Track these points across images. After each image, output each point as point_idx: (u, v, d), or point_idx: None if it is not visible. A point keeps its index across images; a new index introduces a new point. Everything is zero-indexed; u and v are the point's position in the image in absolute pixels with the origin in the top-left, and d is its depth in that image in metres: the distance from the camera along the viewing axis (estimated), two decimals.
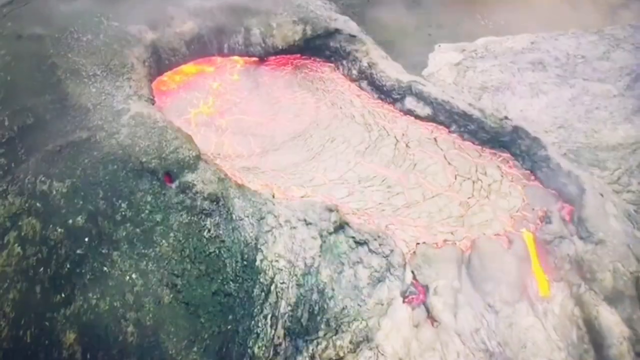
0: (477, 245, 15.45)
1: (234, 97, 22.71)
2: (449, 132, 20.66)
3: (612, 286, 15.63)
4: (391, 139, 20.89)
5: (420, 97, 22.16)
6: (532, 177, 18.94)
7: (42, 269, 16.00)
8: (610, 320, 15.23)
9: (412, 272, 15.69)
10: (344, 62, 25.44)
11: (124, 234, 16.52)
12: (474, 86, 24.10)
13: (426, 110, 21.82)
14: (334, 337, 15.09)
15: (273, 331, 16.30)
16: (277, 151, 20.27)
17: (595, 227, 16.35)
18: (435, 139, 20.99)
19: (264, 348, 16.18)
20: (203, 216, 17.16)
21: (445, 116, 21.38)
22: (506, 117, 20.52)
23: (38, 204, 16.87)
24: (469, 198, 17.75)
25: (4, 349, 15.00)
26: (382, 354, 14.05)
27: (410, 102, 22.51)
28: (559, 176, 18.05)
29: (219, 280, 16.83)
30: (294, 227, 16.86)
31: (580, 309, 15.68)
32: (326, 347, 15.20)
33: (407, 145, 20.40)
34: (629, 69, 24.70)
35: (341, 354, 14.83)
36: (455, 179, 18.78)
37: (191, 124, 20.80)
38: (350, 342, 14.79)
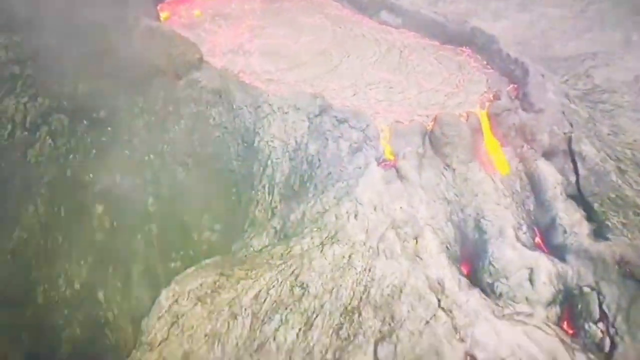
0: (439, 118, 17.61)
1: (261, 22, 24.98)
2: (422, 37, 23.46)
3: (549, 144, 16.68)
4: (396, 50, 21.62)
5: (392, 10, 24.69)
6: (488, 66, 21.63)
7: (71, 156, 16.95)
8: (547, 171, 16.11)
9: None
10: None
11: (141, 122, 17.79)
12: (444, 14, 26.09)
13: (397, 21, 23.03)
14: (320, 196, 16.05)
15: (270, 197, 18.00)
16: (301, 66, 21.65)
17: (536, 99, 18.35)
18: (423, 46, 21.87)
19: (263, 211, 17.95)
20: (208, 106, 18.39)
21: (414, 24, 23.89)
22: (465, 21, 22.98)
23: (65, 103, 17.56)
24: (453, 88, 20.49)
25: (42, 222, 15.85)
26: (360, 203, 16.21)
27: (384, 15, 23.18)
28: (509, 63, 20.39)
29: (224, 159, 18.31)
30: (286, 113, 18.27)
31: (523, 164, 16.81)
32: (314, 204, 16.39)
33: (408, 53, 22.69)
34: None
35: (327, 207, 15.47)
36: (448, 75, 21.43)
37: (215, 53, 21.54)
38: (334, 197, 16.27)
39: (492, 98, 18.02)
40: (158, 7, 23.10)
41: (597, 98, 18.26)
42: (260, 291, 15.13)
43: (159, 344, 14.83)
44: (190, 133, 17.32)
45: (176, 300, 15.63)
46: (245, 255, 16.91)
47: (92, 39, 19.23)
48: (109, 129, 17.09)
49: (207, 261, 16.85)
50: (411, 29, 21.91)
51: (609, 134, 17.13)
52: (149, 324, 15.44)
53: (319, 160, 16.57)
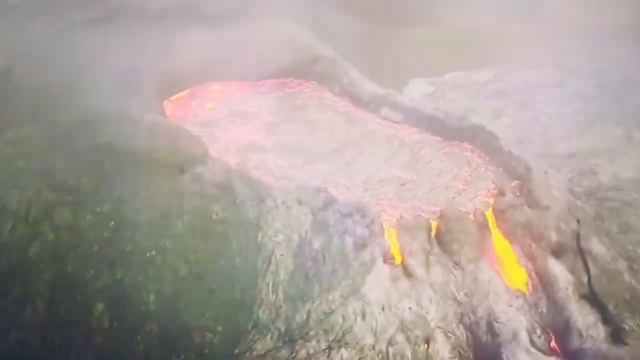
0: (445, 214, 17.59)
1: (276, 119, 25.40)
2: (426, 133, 23.73)
3: (557, 241, 16.56)
4: (407, 146, 21.71)
5: (393, 106, 24.90)
6: (491, 163, 21.58)
7: (73, 252, 16.75)
8: (557, 270, 15.96)
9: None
10: (327, 82, 27.10)
11: (144, 217, 17.67)
12: (444, 111, 26.47)
13: (397, 116, 24.63)
14: (326, 294, 16.90)
15: (275, 296, 17.35)
16: (315, 163, 22.41)
17: (541, 196, 18.40)
18: (431, 142, 22.05)
19: (267, 311, 17.18)
20: (211, 201, 18.35)
21: (415, 120, 24.05)
22: (464, 117, 23.23)
23: (69, 197, 17.71)
24: (463, 184, 20.47)
25: (41, 322, 15.58)
26: (367, 303, 15.79)
27: (385, 111, 24.16)
28: (511, 161, 20.49)
29: (227, 255, 17.91)
30: (290, 207, 18.15)
31: (533, 263, 16.65)
32: (320, 303, 15.87)
33: (418, 149, 22.93)
34: (581, 94, 26.15)
35: (333, 307, 16.07)
36: (458, 170, 21.50)
37: (229, 149, 21.88)
38: (340, 296, 16.30)
39: (496, 194, 17.87)
40: (164, 103, 23.47)
41: (604, 195, 18.35)
42: None
43: None
44: (193, 228, 17.18)
45: None
46: None
47: (96, 133, 19.46)
48: (112, 223, 16.91)
49: None
50: (412, 124, 22.09)
51: (617, 232, 17.20)
52: None
53: (324, 256, 16.32)
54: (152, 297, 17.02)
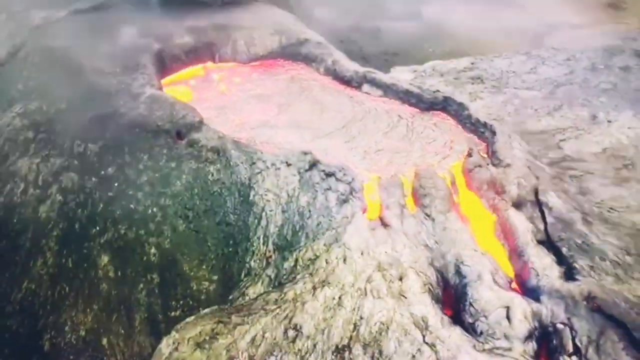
0: (417, 172, 19.24)
1: (287, 100, 25.00)
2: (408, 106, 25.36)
3: (517, 195, 17.90)
4: (404, 120, 22.72)
5: (372, 83, 26.64)
6: (462, 129, 23.22)
7: (80, 210, 17.96)
8: (517, 219, 17.29)
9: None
10: (313, 63, 28.61)
11: (145, 178, 18.89)
12: (419, 86, 27.90)
13: (378, 92, 26.35)
14: (311, 244, 17.10)
15: (265, 247, 18.69)
16: (323, 138, 23.59)
17: (504, 156, 19.94)
18: (422, 116, 23.29)
19: (258, 261, 18.60)
20: (207, 164, 19.57)
21: (393, 95, 25.78)
22: (437, 90, 24.97)
23: (75, 162, 18.92)
24: (448, 150, 21.98)
25: (50, 273, 16.68)
26: (348, 249, 17.17)
27: (365, 87, 25.03)
28: (479, 127, 22.25)
29: (221, 213, 19.12)
30: (278, 168, 19.41)
31: (495, 214, 18.05)
32: (306, 251, 17.28)
33: (413, 122, 24.45)
34: (551, 79, 27.33)
35: (317, 254, 16.60)
36: (452, 140, 22.92)
37: (244, 128, 22.51)
38: (324, 244, 17.18)
39: (465, 156, 19.47)
40: (163, 81, 24.78)
41: (567, 165, 19.73)
42: (256, 335, 15.59)
43: None
44: (191, 188, 18.20)
45: (176, 348, 15.90)
46: (242, 304, 17.44)
47: (100, 104, 20.65)
48: (116, 184, 17.93)
49: (206, 310, 17.30)
50: (391, 98, 23.65)
51: (577, 193, 18.38)
52: None
53: (310, 211, 17.49)
54: (153, 250, 18.07)
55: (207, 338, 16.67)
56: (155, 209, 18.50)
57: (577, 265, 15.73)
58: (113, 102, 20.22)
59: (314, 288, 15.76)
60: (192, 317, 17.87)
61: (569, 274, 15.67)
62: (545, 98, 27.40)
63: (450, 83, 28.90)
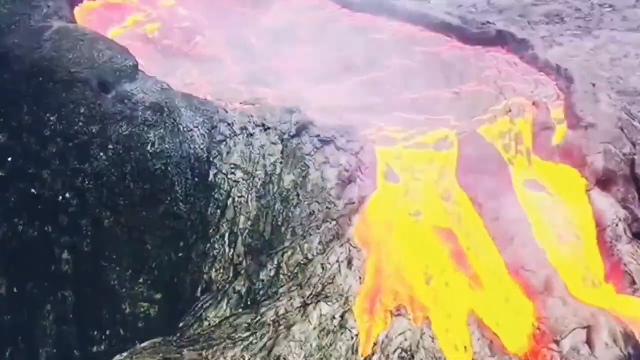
0: (463, 141, 19.53)
1: (263, 30, 26.70)
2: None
3: (603, 168, 19.65)
4: (429, 55, 25.23)
5: (393, 10, 26.94)
6: (524, 73, 23.52)
7: None
8: (603, 202, 19.26)
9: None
10: None
11: (54, 148, 18.57)
12: (461, 16, 28.23)
13: (403, 20, 26.58)
14: (300, 242, 18.63)
15: (232, 250, 19.03)
16: (322, 85, 24.19)
17: (584, 112, 20.53)
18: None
19: (222, 270, 18.79)
20: (145, 128, 19.39)
21: (424, 24, 26.05)
22: (488, 22, 25.07)
23: None
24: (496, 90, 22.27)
25: None
26: (355, 247, 17.80)
27: (384, 15, 27.16)
28: (549, 72, 22.68)
29: (167, 201, 19.08)
30: (251, 134, 19.49)
31: (573, 195, 19.64)
32: (292, 254, 18.08)
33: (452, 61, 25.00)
34: None
35: (309, 257, 17.98)
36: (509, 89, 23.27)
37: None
38: (320, 242, 18.13)
39: (528, 111, 20.06)
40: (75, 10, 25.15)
41: None
42: None
43: None
44: (122, 163, 18.40)
45: None
46: (199, 332, 17.86)
47: None
48: (9, 159, 18.16)
49: (145, 344, 17.60)
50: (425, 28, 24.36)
51: None
52: None
53: (298, 195, 17.81)
54: (65, 255, 18.67)
55: None
56: (68, 194, 18.01)
57: None
58: (6, 39, 20.42)
59: (305, 305, 16.23)
60: (125, 354, 18.29)
61: None
62: None
63: (514, 22, 29.37)
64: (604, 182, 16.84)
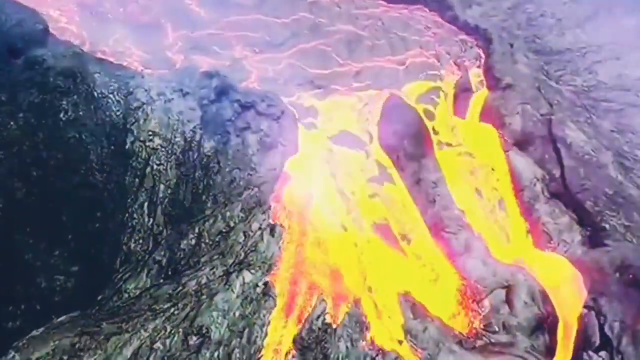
0: (386, 103, 19.75)
1: None
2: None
3: (522, 128, 19.08)
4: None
5: None
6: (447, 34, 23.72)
7: None
8: (521, 163, 18.35)
9: None
10: None
11: None
12: None
13: None
14: (222, 210, 17.27)
15: (151, 220, 18.85)
16: (260, 54, 23.68)
17: (502, 73, 20.78)
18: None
19: (141, 241, 18.73)
20: (58, 94, 19.09)
21: None
22: None
23: None
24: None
25: None
26: (277, 214, 17.61)
27: None
28: (469, 33, 22.87)
29: (82, 170, 18.86)
30: (169, 100, 19.32)
31: (495, 155, 19.08)
32: (214, 222, 17.52)
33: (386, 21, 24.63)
34: None
35: (231, 224, 17.07)
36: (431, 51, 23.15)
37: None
38: (242, 209, 18.06)
39: (449, 74, 20.11)
40: None
41: (601, 96, 20.50)
42: (140, 347, 15.88)
43: None
44: (33, 132, 17.90)
45: None
46: (118, 305, 17.56)
47: None
48: None
49: (62, 318, 17.28)
50: None
51: (612, 131, 19.23)
52: None
53: (218, 162, 17.66)
54: None
55: (65, 357, 16.71)
56: None
57: (606, 225, 16.60)
58: None
59: (227, 274, 16.15)
60: (41, 330, 17.83)
61: (595, 237, 16.49)
62: (575, 2, 28.57)
63: None
64: (522, 142, 16.92)
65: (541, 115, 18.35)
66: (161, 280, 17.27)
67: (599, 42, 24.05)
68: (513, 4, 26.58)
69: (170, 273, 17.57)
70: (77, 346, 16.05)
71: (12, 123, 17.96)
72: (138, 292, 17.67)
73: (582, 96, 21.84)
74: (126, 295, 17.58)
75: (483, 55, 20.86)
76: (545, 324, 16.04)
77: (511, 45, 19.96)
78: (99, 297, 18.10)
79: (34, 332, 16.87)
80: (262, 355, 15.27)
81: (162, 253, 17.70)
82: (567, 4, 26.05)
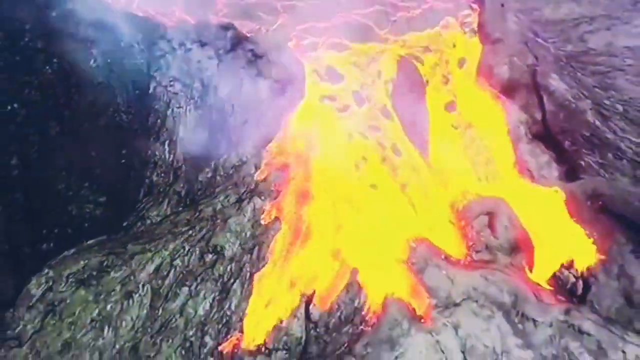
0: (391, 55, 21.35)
1: None
2: None
3: (508, 77, 20.04)
4: None
5: None
6: None
7: None
8: (508, 108, 19.79)
9: None
10: None
11: (1, 63, 19.62)
12: None
13: None
14: (235, 148, 18.89)
15: (172, 156, 20.16)
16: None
17: (492, 29, 22.06)
18: None
19: (162, 175, 20.09)
20: (88, 43, 20.22)
21: None
22: None
23: None
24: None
25: None
26: (285, 150, 19.34)
27: None
28: None
29: (110, 111, 20.20)
30: (189, 50, 20.44)
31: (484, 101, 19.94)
32: (228, 158, 18.93)
33: None
34: None
35: (244, 159, 18.37)
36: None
37: None
38: (254, 147, 18.39)
39: (444, 30, 21.85)
40: None
41: (590, 60, 21.33)
42: (161, 264, 17.27)
43: (30, 337, 16.50)
44: (66, 77, 19.11)
45: (50, 287, 17.06)
46: (142, 230, 19.14)
47: None
48: None
49: (91, 242, 18.78)
50: None
51: (594, 86, 20.76)
52: (16, 316, 17.00)
53: (232, 105, 19.20)
54: (14, 161, 18.81)
55: (94, 273, 18.04)
56: (16, 105, 19.18)
57: (582, 162, 18.15)
58: None
59: (240, 200, 17.69)
60: (72, 250, 19.45)
61: (571, 173, 18.26)
62: None
63: None
64: (509, 89, 18.67)
65: (527, 66, 19.97)
66: (180, 209, 18.55)
67: (593, 14, 25.32)
68: None
69: (188, 202, 18.55)
70: (104, 264, 17.38)
71: (47, 67, 18.89)
72: (159, 218, 18.51)
73: (570, 59, 23.37)
74: (149, 221, 18.48)
75: (475, 14, 22.48)
76: (523, 245, 17.87)
77: (502, 5, 21.64)
78: (125, 224, 19.10)
79: (66, 253, 18.01)
80: (267, 268, 16.98)
81: (181, 185, 18.86)
82: None
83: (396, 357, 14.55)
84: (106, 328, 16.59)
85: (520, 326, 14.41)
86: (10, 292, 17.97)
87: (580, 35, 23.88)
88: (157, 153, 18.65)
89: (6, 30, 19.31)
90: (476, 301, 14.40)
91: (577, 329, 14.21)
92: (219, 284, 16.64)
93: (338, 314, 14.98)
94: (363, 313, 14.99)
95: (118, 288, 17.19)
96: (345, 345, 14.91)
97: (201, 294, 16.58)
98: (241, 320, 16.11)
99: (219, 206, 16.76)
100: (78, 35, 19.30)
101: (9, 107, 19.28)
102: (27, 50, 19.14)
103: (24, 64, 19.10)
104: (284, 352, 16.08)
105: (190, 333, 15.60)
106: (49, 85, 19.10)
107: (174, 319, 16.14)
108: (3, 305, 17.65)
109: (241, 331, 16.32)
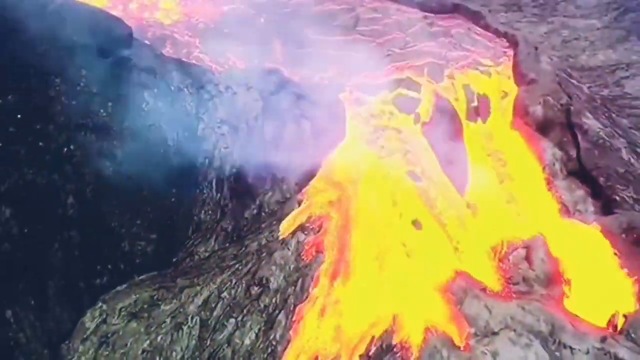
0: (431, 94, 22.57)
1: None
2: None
3: (543, 115, 20.25)
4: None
5: None
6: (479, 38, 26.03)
7: None
8: (543, 145, 19.90)
9: None
10: None
11: (59, 107, 19.96)
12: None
13: None
14: (280, 184, 19.17)
15: (219, 194, 20.70)
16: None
17: (527, 70, 23.06)
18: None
19: (210, 212, 20.66)
20: (140, 88, 20.99)
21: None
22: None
23: None
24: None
25: None
26: (327, 187, 20.16)
27: None
28: (498, 36, 25.30)
29: (161, 152, 20.79)
30: (235, 93, 21.13)
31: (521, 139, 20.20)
32: (272, 195, 19.28)
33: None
34: (617, 3, 29.43)
35: (287, 195, 18.69)
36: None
37: None
38: (296, 184, 19.08)
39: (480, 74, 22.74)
40: None
41: (626, 103, 22.26)
42: (209, 297, 18.05)
43: None
44: (120, 120, 20.33)
45: (104, 320, 17.68)
46: (190, 265, 20.08)
47: None
48: (19, 116, 19.25)
49: (142, 277, 19.75)
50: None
51: (630, 127, 21.50)
52: (72, 348, 17.73)
53: (277, 145, 20.20)
54: (70, 200, 19.39)
55: (145, 306, 18.89)
56: (72, 147, 19.78)
57: (617, 197, 18.72)
58: (12, 14, 21.45)
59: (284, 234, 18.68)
60: (124, 285, 20.39)
61: (606, 208, 18.85)
62: (607, 27, 30.14)
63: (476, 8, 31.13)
64: (544, 128, 19.42)
65: (561, 105, 20.66)
66: (227, 244, 19.27)
67: (629, 61, 26.09)
68: (549, 29, 28.63)
69: (235, 238, 19.02)
70: (155, 297, 17.87)
71: (101, 111, 20.00)
72: (207, 254, 19.20)
73: (605, 100, 24.05)
74: (197, 257, 19.09)
75: (510, 57, 23.32)
76: (560, 277, 18.39)
77: (536, 48, 22.48)
78: (174, 259, 19.99)
79: (119, 288, 18.69)
80: (310, 299, 17.67)
81: (228, 222, 19.57)
82: (600, 29, 28.02)
83: None
84: (157, 358, 17.15)
85: (557, 354, 14.60)
86: (66, 325, 18.55)
87: (617, 80, 24.55)
88: (204, 191, 19.44)
89: (63, 76, 20.09)
90: (514, 330, 14.71)
91: (614, 356, 14.34)
92: (264, 315, 16.97)
93: (380, 342, 15.30)
94: (403, 342, 15.25)
95: (168, 320, 17.66)
96: None
97: (247, 325, 16.95)
98: (285, 349, 15.64)
99: (264, 241, 17.51)
100: (131, 81, 20.23)
101: (65, 149, 20.04)
102: (83, 94, 19.98)
103: (80, 107, 19.83)
104: None
105: None
106: (104, 128, 19.70)
107: (221, 349, 16.35)
108: (60, 337, 18.28)
109: None
